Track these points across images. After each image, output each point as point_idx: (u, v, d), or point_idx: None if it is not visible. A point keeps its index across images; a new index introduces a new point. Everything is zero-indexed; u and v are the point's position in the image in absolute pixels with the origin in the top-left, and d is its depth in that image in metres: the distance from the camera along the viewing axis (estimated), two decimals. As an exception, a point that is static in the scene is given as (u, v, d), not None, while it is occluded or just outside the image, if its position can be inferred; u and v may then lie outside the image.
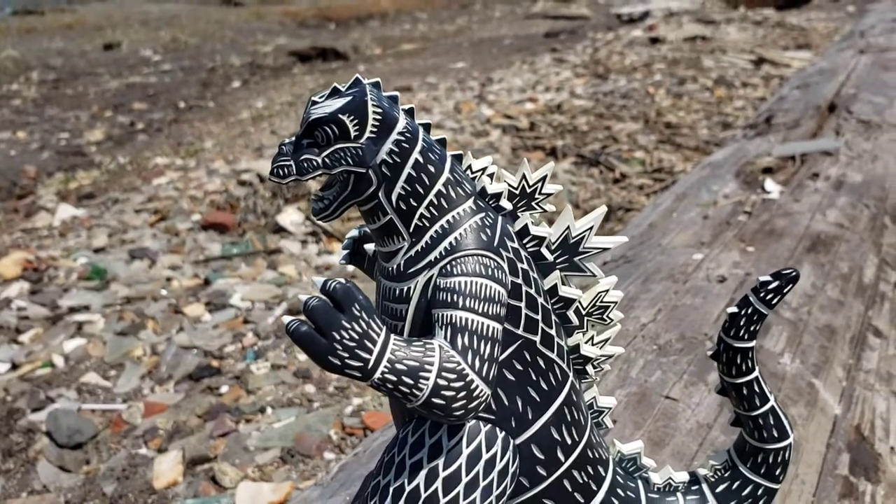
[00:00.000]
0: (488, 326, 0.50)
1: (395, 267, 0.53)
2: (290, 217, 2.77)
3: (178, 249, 2.76)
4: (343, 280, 0.48)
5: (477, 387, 0.49)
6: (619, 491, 0.62)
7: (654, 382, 1.07)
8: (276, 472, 1.64)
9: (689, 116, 4.09)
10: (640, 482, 0.64)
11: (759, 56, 5.36)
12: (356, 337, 0.47)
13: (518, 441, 0.56)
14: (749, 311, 0.58)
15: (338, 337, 0.46)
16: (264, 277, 2.49)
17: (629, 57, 5.70)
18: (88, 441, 1.80)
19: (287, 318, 0.47)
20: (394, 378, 0.48)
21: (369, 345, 0.47)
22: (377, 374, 0.47)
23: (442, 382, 0.48)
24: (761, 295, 0.58)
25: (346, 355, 0.47)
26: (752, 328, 0.59)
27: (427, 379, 0.48)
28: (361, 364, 0.47)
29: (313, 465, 1.63)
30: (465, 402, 0.49)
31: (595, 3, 10.30)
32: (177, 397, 1.92)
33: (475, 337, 0.50)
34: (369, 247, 0.63)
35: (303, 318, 0.47)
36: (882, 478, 1.07)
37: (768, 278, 0.57)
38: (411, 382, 0.48)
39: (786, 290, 0.57)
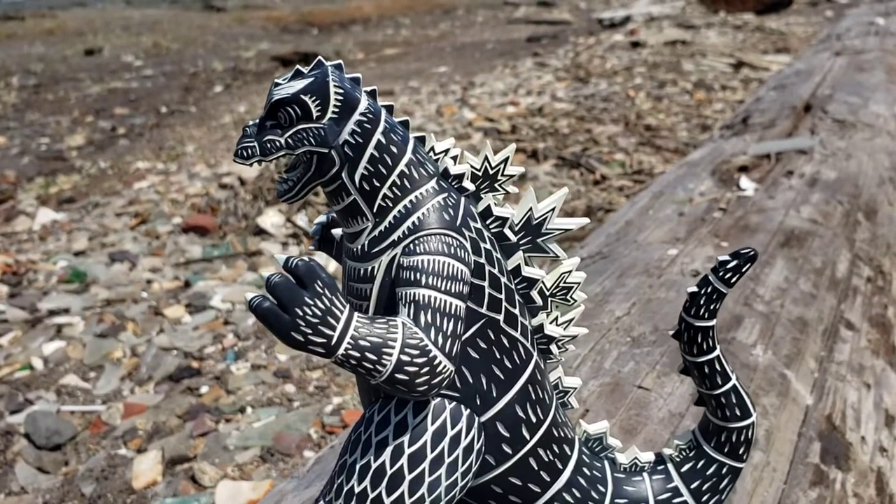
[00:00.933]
0: (451, 304, 0.51)
1: (359, 247, 0.54)
2: (271, 219, 2.77)
3: (158, 252, 2.76)
4: (306, 258, 0.49)
5: (440, 363, 0.50)
6: (585, 470, 0.63)
7: (627, 373, 1.08)
8: (255, 470, 1.64)
9: (668, 119, 4.12)
10: (606, 462, 0.65)
11: (738, 60, 5.40)
12: (318, 314, 0.47)
13: (483, 419, 0.56)
14: (709, 290, 0.59)
15: (300, 313, 0.47)
16: (245, 279, 2.49)
17: (610, 61, 5.73)
18: (67, 442, 1.80)
19: (250, 295, 0.47)
20: (357, 354, 0.48)
21: (332, 321, 0.48)
22: (340, 351, 0.48)
23: (405, 358, 0.49)
24: (720, 274, 0.59)
25: (308, 331, 0.47)
26: (711, 307, 0.60)
27: (390, 355, 0.49)
28: (324, 340, 0.47)
29: (293, 463, 1.64)
30: (428, 377, 0.50)
31: (577, 8, 10.34)
32: (157, 398, 1.92)
33: (438, 314, 0.50)
34: (337, 231, 0.64)
35: (266, 294, 0.48)
36: (852, 466, 1.08)
37: (727, 257, 0.58)
38: (374, 358, 0.48)
39: (744, 269, 0.58)
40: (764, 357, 1.17)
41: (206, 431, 1.76)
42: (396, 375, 0.49)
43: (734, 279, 0.59)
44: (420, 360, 0.49)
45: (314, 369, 1.97)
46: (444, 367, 0.50)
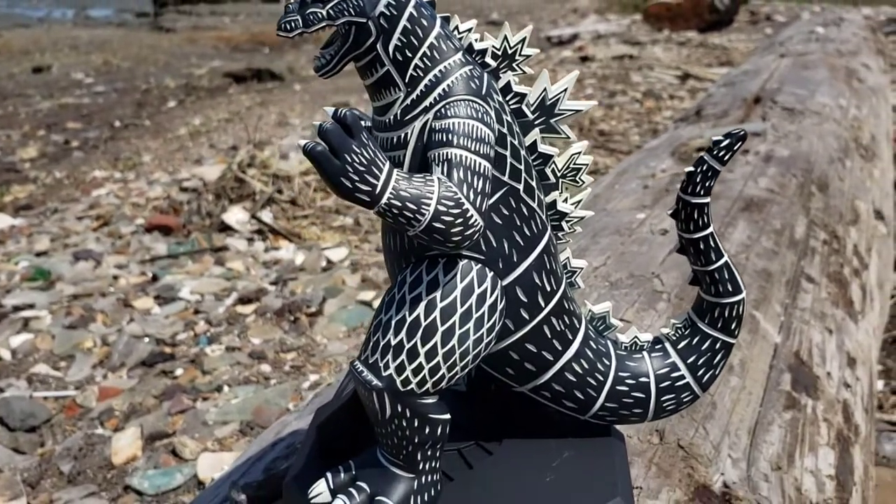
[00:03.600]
0: (480, 163, 0.55)
1: (391, 117, 0.59)
2: (236, 216, 2.79)
3: (123, 250, 2.75)
4: (354, 110, 0.53)
5: (472, 216, 0.54)
6: (592, 344, 0.68)
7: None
8: (236, 443, 1.66)
9: (620, 125, 4.23)
10: (608, 341, 0.70)
11: (684, 72, 5.56)
12: (365, 162, 0.51)
13: (504, 282, 0.61)
14: (704, 168, 0.65)
15: (349, 159, 0.51)
16: (212, 272, 2.51)
17: (560, 74, 5.85)
18: (42, 424, 1.80)
19: (302, 141, 0.51)
20: (398, 203, 0.52)
21: (376, 171, 0.52)
22: (384, 200, 0.52)
23: (441, 209, 0.53)
24: (714, 153, 0.64)
25: (356, 178, 0.51)
26: (707, 184, 0.65)
27: (428, 205, 0.53)
28: (369, 189, 0.51)
29: (273, 434, 1.65)
30: (461, 228, 0.54)
31: (524, 27, 10.50)
32: (131, 382, 1.92)
33: (469, 172, 0.55)
34: None
35: (318, 140, 0.51)
36: (821, 396, 1.15)
37: (720, 137, 0.64)
38: (414, 208, 0.53)
39: (736, 148, 0.64)
40: (734, 300, 1.24)
41: (184, 409, 1.78)
42: (434, 224, 0.53)
43: (727, 157, 0.64)
44: (455, 212, 0.54)
45: (288, 351, 2.00)
46: (476, 220, 0.55)
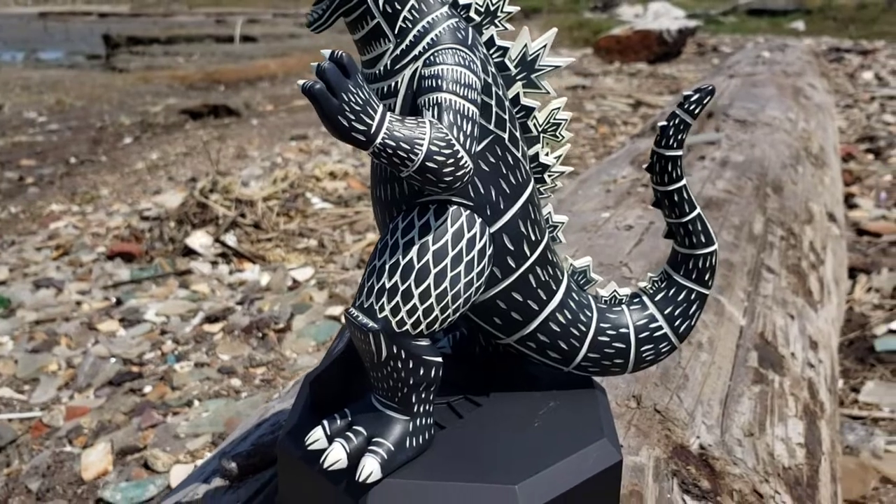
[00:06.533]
0: (468, 108, 0.58)
1: (381, 68, 0.61)
2: (200, 240, 2.78)
3: (85, 277, 2.73)
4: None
5: (462, 157, 0.57)
6: (574, 295, 0.71)
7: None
8: (209, 454, 1.65)
9: (577, 149, 4.31)
10: (589, 295, 0.73)
11: (636, 100, 5.69)
12: (361, 102, 0.54)
13: (492, 229, 0.64)
14: (676, 121, 0.69)
15: (346, 98, 0.53)
16: (177, 295, 2.49)
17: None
18: (8, 445, 1.77)
19: (300, 81, 0.53)
20: (392, 143, 0.55)
21: (371, 111, 0.54)
22: (378, 140, 0.54)
23: (434, 149, 0.56)
24: (685, 107, 0.68)
25: (352, 117, 0.53)
26: (679, 137, 0.69)
27: (421, 145, 0.55)
28: (365, 128, 0.54)
29: (246, 444, 1.65)
30: (453, 168, 0.57)
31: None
32: (99, 401, 1.90)
33: (458, 115, 0.58)
34: None
35: (316, 79, 0.54)
36: (787, 373, 1.19)
37: (690, 92, 0.68)
38: (408, 148, 0.55)
39: (705, 101, 0.68)
40: (699, 286, 1.28)
41: (155, 423, 1.77)
42: (427, 164, 0.56)
43: (697, 110, 0.68)
44: (446, 152, 0.56)
45: (258, 366, 2.00)
46: (466, 161, 0.57)
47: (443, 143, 0.56)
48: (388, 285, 0.60)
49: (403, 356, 0.60)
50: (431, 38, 0.60)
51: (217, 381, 1.92)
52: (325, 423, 0.63)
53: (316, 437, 0.63)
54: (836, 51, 7.99)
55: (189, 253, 2.76)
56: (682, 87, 6.21)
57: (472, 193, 0.62)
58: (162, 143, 5.76)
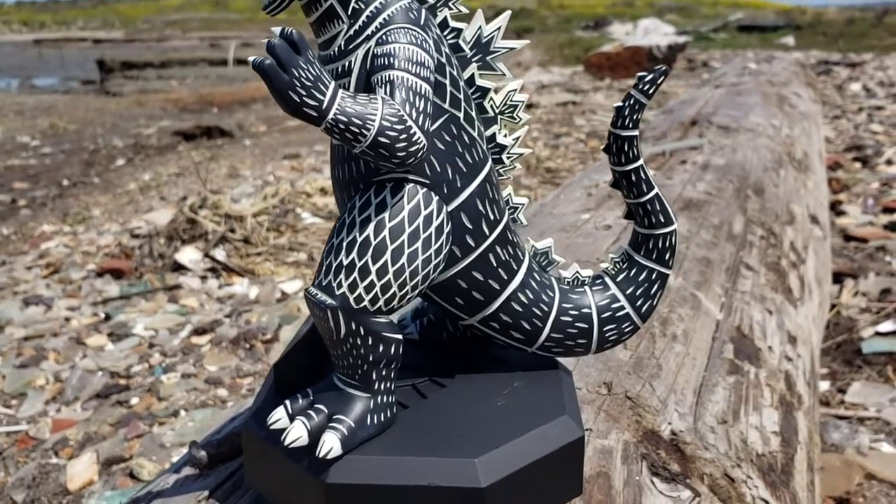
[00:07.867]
0: (421, 85, 0.59)
1: (336, 48, 0.62)
2: (189, 255, 2.79)
3: (74, 294, 2.73)
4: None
5: (415, 132, 0.58)
6: (536, 276, 0.72)
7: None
8: (194, 463, 1.64)
9: (566, 162, 4.33)
10: (551, 276, 0.74)
11: (626, 114, 5.71)
12: (312, 77, 0.55)
13: (450, 207, 0.64)
14: (631, 102, 0.70)
15: (296, 73, 0.54)
16: (166, 309, 2.50)
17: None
18: (-6, 458, 1.77)
19: (251, 57, 0.54)
20: (344, 119, 0.55)
21: (322, 87, 0.55)
22: (330, 115, 0.55)
23: (385, 124, 0.56)
24: (640, 87, 0.69)
25: (303, 93, 0.54)
26: (634, 117, 0.70)
27: (373, 121, 0.56)
28: (316, 104, 0.55)
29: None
30: (406, 144, 0.57)
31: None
32: (86, 414, 1.90)
33: (411, 92, 0.59)
34: None
35: (266, 54, 0.55)
36: (763, 365, 1.19)
37: (644, 73, 0.69)
38: (360, 123, 0.56)
39: (659, 81, 0.69)
40: (675, 281, 1.29)
41: (141, 434, 1.77)
42: (379, 139, 0.56)
43: (652, 90, 0.69)
44: (399, 128, 0.57)
45: (245, 376, 2.00)
46: (419, 137, 0.58)
47: (395, 119, 0.57)
48: (345, 262, 0.61)
49: (362, 333, 0.61)
50: (384, 18, 0.61)
51: (204, 392, 1.92)
52: (288, 402, 0.64)
53: (278, 416, 0.63)
54: (824, 63, 8.06)
55: (178, 268, 2.77)
56: (672, 102, 6.25)
57: (428, 171, 0.63)
58: (155, 164, 5.78)
